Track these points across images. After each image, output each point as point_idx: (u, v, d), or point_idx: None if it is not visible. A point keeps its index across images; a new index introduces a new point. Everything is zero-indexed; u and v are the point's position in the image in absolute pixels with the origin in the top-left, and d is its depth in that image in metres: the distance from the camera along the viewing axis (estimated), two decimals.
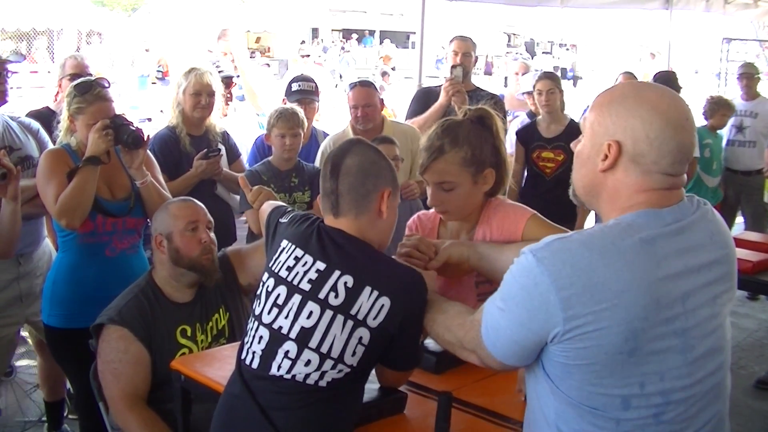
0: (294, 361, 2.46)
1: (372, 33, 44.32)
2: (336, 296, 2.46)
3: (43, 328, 4.12)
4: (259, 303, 2.61)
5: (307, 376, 2.44)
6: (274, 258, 2.64)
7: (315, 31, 43.06)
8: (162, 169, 4.35)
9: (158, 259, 3.59)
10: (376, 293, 2.45)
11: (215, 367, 3.03)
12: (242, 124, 5.73)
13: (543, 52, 44.42)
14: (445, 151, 2.91)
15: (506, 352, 2.05)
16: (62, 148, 3.94)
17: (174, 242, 3.52)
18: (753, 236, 6.30)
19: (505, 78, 21.20)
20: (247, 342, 2.61)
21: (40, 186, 3.88)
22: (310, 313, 2.47)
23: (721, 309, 2.04)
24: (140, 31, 29.71)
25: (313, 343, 2.44)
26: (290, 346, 2.47)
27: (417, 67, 7.87)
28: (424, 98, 6.07)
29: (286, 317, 2.51)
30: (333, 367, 2.44)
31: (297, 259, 2.57)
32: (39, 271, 4.38)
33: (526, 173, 6.35)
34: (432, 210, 3.15)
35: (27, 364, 5.40)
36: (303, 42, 36.45)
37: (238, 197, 4.86)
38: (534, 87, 6.39)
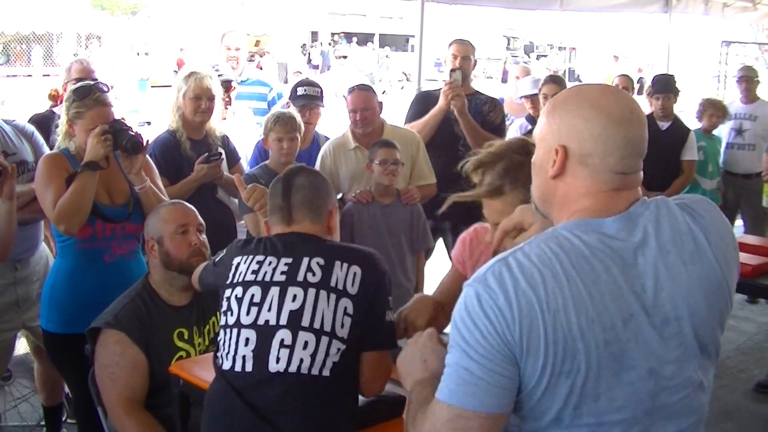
0: (292, 348, 2.50)
1: (371, 36, 44.35)
2: (313, 275, 2.61)
3: (40, 334, 4.11)
4: (231, 313, 2.66)
5: (310, 366, 2.49)
6: (231, 275, 2.73)
7: (314, 35, 43.13)
8: (162, 173, 4.35)
9: (151, 264, 3.60)
10: (346, 264, 2.65)
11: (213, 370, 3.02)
12: (241, 127, 5.71)
13: (538, 56, 44.40)
14: (504, 192, 2.85)
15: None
16: (61, 152, 3.93)
17: (164, 245, 3.53)
18: (753, 239, 6.29)
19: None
20: (228, 352, 2.61)
21: (38, 191, 3.87)
22: (294, 296, 2.59)
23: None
24: (140, 35, 29.76)
25: (305, 322, 2.54)
26: (284, 334, 2.54)
27: (416, 70, 7.86)
28: (424, 102, 6.06)
29: (269, 310, 2.59)
30: (329, 345, 2.52)
31: (260, 263, 2.69)
32: (36, 276, 4.37)
33: None
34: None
35: (25, 368, 5.38)
36: (303, 45, 36.54)
37: (237, 201, 4.85)
38: (539, 91, 6.37)
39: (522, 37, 49.10)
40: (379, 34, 45.31)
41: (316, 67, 33.03)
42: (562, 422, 1.85)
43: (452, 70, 5.82)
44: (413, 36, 8.73)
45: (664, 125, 7.10)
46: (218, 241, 3.62)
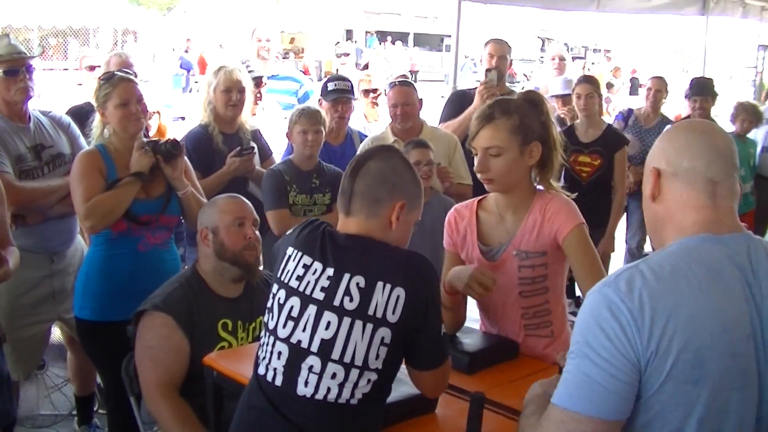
0: (320, 376, 2.43)
1: (406, 35, 44.31)
2: (351, 300, 2.44)
3: (74, 325, 4.16)
4: (272, 316, 2.58)
5: (338, 394, 2.42)
6: (282, 267, 2.61)
7: (349, 33, 43.14)
8: (195, 166, 4.37)
9: (202, 253, 3.61)
10: (389, 287, 2.43)
11: (248, 363, 3.02)
12: (270, 122, 5.73)
13: (574, 57, 44.18)
14: (495, 117, 3.02)
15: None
16: (96, 149, 3.98)
17: (219, 236, 3.55)
18: None
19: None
20: (264, 358, 2.57)
21: (71, 186, 3.92)
22: (328, 323, 2.44)
23: None
24: (175, 31, 29.90)
25: (336, 355, 2.42)
26: (313, 361, 2.45)
27: (452, 70, 7.85)
28: (459, 101, 6.04)
29: (304, 330, 2.48)
30: (360, 377, 2.42)
31: (306, 267, 2.54)
32: (72, 269, 4.40)
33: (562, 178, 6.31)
34: (467, 201, 3.27)
35: (58, 358, 5.43)
36: (338, 43, 36.57)
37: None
38: (573, 91, 6.35)
39: (557, 39, 48.89)
40: (414, 34, 45.25)
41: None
42: None
43: (488, 70, 5.81)
44: (448, 36, 8.71)
45: None
46: None
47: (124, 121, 3.92)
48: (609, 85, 14.29)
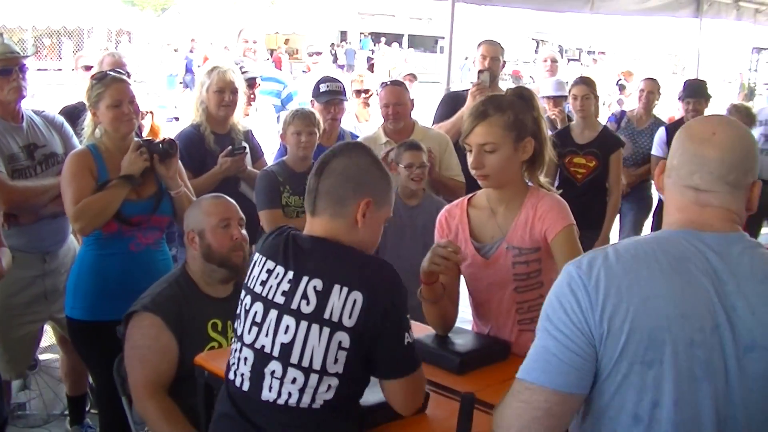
0: (281, 381, 2.43)
1: (400, 37, 44.33)
2: (307, 303, 2.42)
3: (66, 325, 4.16)
4: (240, 323, 2.58)
5: (299, 399, 2.41)
6: (249, 273, 2.61)
7: (343, 34, 43.16)
8: (186, 166, 4.37)
9: (190, 255, 3.60)
10: (346, 289, 2.39)
11: None
12: (264, 124, 5.75)
13: (569, 60, 44.23)
14: (489, 114, 3.03)
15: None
16: (87, 149, 3.98)
17: (206, 238, 3.53)
18: None
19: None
20: (234, 364, 2.57)
21: (62, 187, 3.92)
22: (287, 327, 2.43)
23: None
24: (169, 31, 29.89)
25: (294, 359, 2.41)
26: (275, 366, 2.44)
27: (445, 71, 7.86)
28: (452, 102, 6.06)
29: (267, 335, 2.47)
30: (319, 382, 2.39)
31: (269, 272, 2.53)
32: (64, 269, 4.39)
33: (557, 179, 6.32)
34: (457, 200, 3.31)
35: (51, 358, 5.43)
36: (333, 44, 36.59)
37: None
38: (569, 92, 6.35)
39: (551, 41, 48.94)
40: (408, 35, 45.29)
41: (342, 66, 33.06)
42: (641, 422, 1.89)
43: (480, 71, 5.82)
44: (442, 37, 8.72)
45: None
46: None
47: (116, 121, 3.92)
48: (622, 87, 14.33)
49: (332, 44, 39.23)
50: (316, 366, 2.39)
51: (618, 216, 6.99)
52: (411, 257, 3.87)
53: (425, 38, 44.53)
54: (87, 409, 4.86)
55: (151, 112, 5.61)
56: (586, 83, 6.34)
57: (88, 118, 4.02)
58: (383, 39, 42.16)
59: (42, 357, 5.37)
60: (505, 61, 6.18)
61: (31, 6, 23.30)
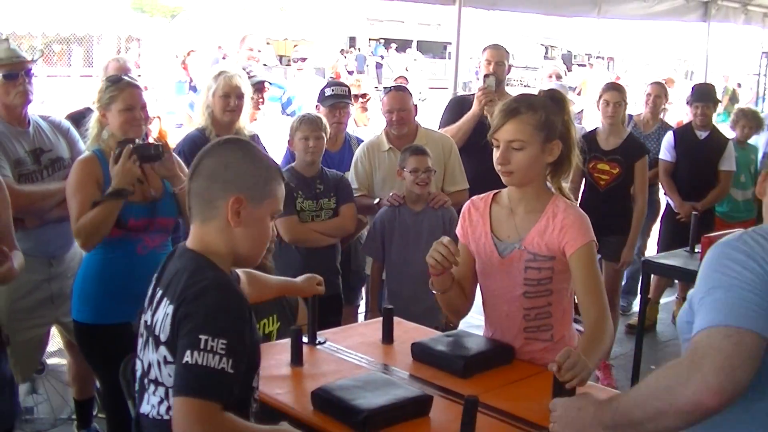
0: (147, 393, 2.45)
1: (409, 43, 44.33)
2: (151, 318, 2.42)
3: (72, 329, 4.16)
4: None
5: (157, 412, 2.40)
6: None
7: (352, 40, 43.17)
8: None
9: None
10: (165, 303, 2.35)
11: None
12: (271, 128, 5.75)
13: (578, 65, 44.17)
14: (521, 112, 3.05)
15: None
16: (93, 154, 3.98)
17: None
18: None
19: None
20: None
21: (68, 194, 3.93)
22: (147, 341, 2.45)
23: None
24: (179, 38, 29.90)
25: (148, 372, 2.43)
26: (144, 379, 2.47)
27: (452, 76, 7.87)
28: (458, 107, 6.07)
29: (143, 349, 2.50)
30: (166, 395, 2.36)
31: (152, 290, 2.53)
32: (70, 273, 4.40)
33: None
34: (483, 194, 3.33)
35: (58, 362, 5.44)
36: (342, 50, 36.62)
37: None
38: (600, 97, 6.34)
39: (560, 46, 48.84)
40: (417, 41, 45.27)
41: (351, 72, 33.08)
42: None
43: (486, 76, 5.83)
44: (450, 43, 8.73)
45: (702, 134, 7.04)
46: None
47: (126, 125, 3.93)
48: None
49: (342, 50, 39.27)
50: (160, 380, 2.39)
51: None
52: (417, 262, 3.85)
53: (434, 44, 44.47)
54: (94, 413, 4.87)
55: (159, 117, 5.62)
56: (617, 89, 6.32)
57: (94, 119, 4.03)
58: (393, 45, 42.14)
59: (49, 361, 5.38)
60: (511, 65, 6.19)
61: (40, 13, 23.35)
